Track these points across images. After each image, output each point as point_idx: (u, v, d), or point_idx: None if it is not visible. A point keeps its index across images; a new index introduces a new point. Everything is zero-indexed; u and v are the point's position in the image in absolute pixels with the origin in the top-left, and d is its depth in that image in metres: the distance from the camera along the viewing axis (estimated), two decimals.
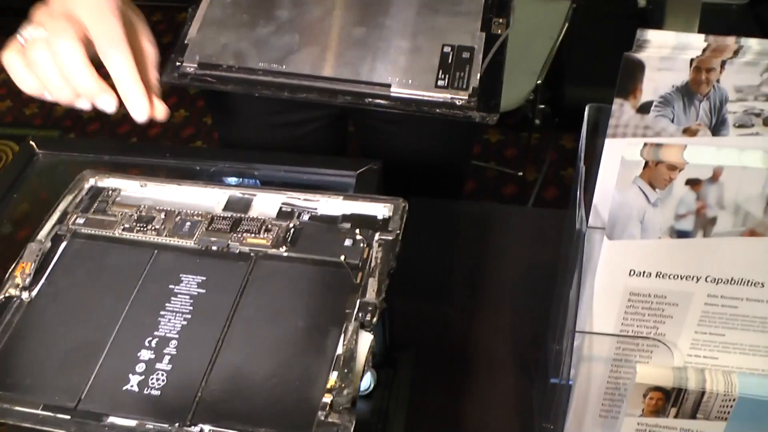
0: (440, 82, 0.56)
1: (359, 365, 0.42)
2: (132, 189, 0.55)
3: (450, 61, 0.57)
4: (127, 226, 0.52)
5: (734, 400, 0.45)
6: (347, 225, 0.50)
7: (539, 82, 1.49)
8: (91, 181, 0.56)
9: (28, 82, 0.53)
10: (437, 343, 0.70)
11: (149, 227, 0.52)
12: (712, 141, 0.44)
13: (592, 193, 0.49)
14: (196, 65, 0.59)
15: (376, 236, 0.49)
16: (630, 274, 0.47)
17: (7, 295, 0.49)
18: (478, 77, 0.56)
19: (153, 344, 0.46)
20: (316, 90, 0.56)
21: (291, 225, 0.51)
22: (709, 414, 0.46)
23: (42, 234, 0.52)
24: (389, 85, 0.56)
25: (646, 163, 0.43)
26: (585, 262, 0.49)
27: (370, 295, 0.45)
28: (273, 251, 0.50)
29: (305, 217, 0.52)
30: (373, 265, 0.47)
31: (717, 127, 0.44)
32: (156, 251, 0.51)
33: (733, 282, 0.45)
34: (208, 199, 0.54)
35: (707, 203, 0.43)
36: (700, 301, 0.47)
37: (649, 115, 0.45)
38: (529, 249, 0.78)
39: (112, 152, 0.61)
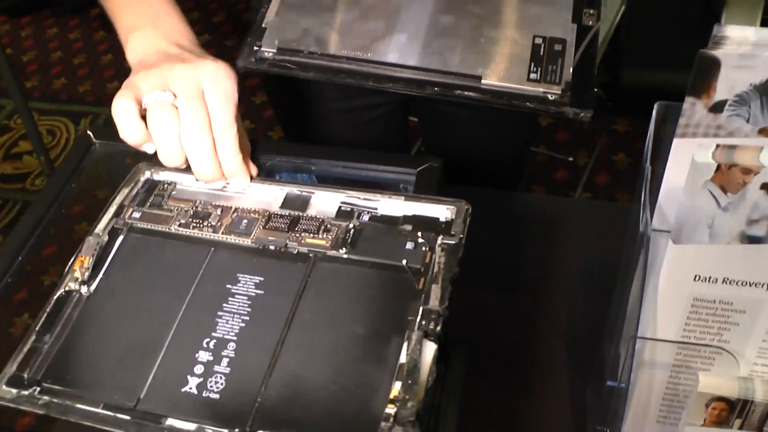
0: (532, 75, 0.54)
1: (423, 376, 0.41)
2: (187, 183, 0.55)
3: (542, 53, 0.55)
4: (183, 221, 0.52)
5: None
6: (408, 227, 0.49)
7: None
8: (147, 174, 0.55)
9: (135, 136, 0.52)
10: (490, 339, 0.69)
11: (205, 224, 0.51)
12: None
13: (656, 195, 0.47)
14: (274, 50, 0.57)
15: (439, 240, 0.47)
16: (695, 279, 0.45)
17: (67, 288, 0.49)
18: (571, 71, 0.54)
19: (211, 345, 0.45)
20: (402, 80, 0.54)
21: (351, 225, 0.50)
22: None
23: (99, 227, 0.52)
24: (480, 77, 0.54)
25: (719, 166, 0.41)
26: (648, 266, 0.47)
27: (433, 302, 0.44)
28: (332, 253, 0.48)
29: (365, 217, 0.50)
30: (435, 270, 0.46)
31: None
32: (212, 249, 0.50)
33: None
34: (264, 195, 0.53)
35: None
36: None
37: (722, 114, 0.43)
38: (588, 245, 0.76)
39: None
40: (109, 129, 0.56)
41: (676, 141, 0.44)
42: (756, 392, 0.44)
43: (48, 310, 0.48)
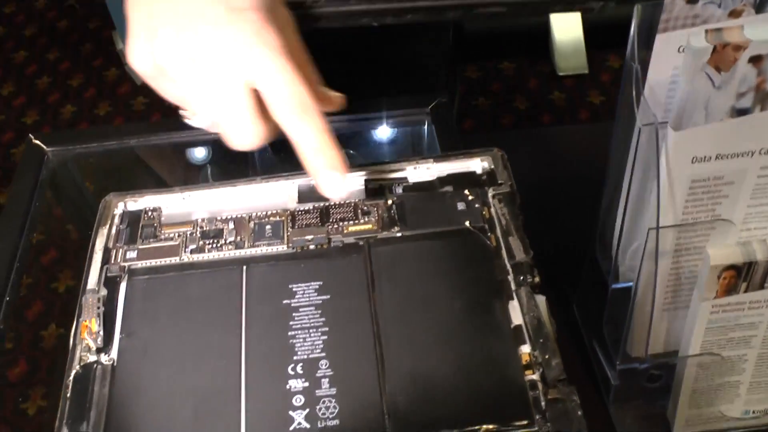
0: None
1: (550, 330, 0.39)
2: (173, 204, 0.47)
3: None
4: (194, 247, 0.45)
5: None
6: (449, 188, 0.46)
7: None
8: (120, 207, 0.47)
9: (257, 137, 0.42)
10: None
11: (223, 242, 0.45)
12: (764, 18, 0.45)
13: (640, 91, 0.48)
14: None
15: (490, 192, 0.45)
16: (693, 161, 0.47)
17: (82, 363, 0.41)
18: None
19: (299, 370, 0.40)
20: (422, 10, 0.49)
21: (389, 202, 0.46)
22: None
23: (91, 281, 0.44)
24: None
25: (714, 48, 0.42)
26: (643, 160, 0.49)
27: (520, 255, 0.42)
28: (385, 234, 0.44)
29: (399, 190, 0.46)
30: (504, 223, 0.43)
31: (759, 6, 0.45)
32: (245, 267, 0.44)
33: None
34: (273, 195, 0.47)
35: (767, 77, 0.44)
36: (753, 175, 0.48)
37: (697, 4, 0.45)
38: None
39: (123, 136, 0.51)
40: (59, 135, 0.46)
41: (659, 36, 0.45)
42: (757, 253, 0.47)
43: (69, 395, 0.40)
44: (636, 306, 0.54)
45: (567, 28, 1.76)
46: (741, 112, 0.45)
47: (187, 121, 0.44)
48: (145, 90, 1.81)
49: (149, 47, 0.42)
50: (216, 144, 0.61)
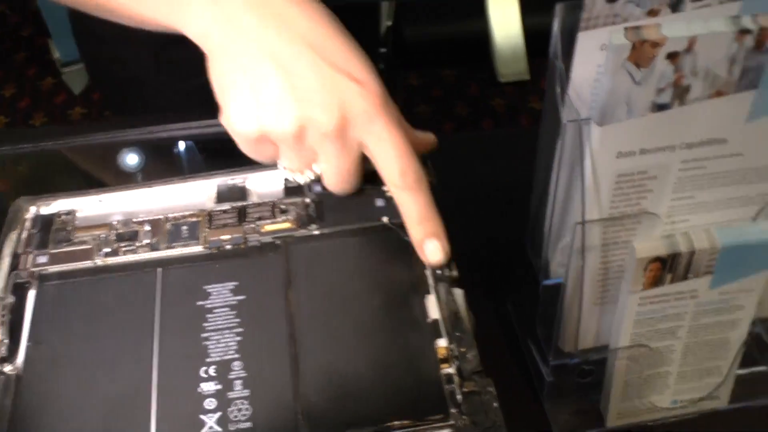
0: None
1: (468, 324, 0.39)
2: (88, 207, 0.46)
3: None
4: (108, 250, 0.44)
5: (718, 251, 0.48)
6: (368, 185, 0.45)
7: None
8: (32, 210, 0.46)
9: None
10: None
11: (138, 244, 0.44)
12: (680, 17, 0.46)
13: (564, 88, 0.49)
14: None
15: None
16: (618, 156, 0.48)
17: None
18: None
19: (212, 373, 0.39)
20: None
21: (307, 200, 0.45)
22: (698, 271, 0.49)
23: None
24: None
25: (634, 45, 0.43)
26: (572, 155, 0.49)
27: None
28: (302, 232, 0.44)
29: (317, 188, 0.46)
30: None
31: (675, 5, 0.46)
32: (161, 269, 0.43)
33: (702, 144, 0.47)
34: (191, 196, 0.46)
35: (683, 73, 0.45)
36: (675, 169, 0.49)
37: (617, 2, 0.46)
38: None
39: (47, 138, 0.49)
40: None
41: (581, 34, 0.46)
42: (680, 244, 0.48)
43: None
44: (566, 302, 0.54)
45: (508, 35, 1.78)
46: (661, 108, 0.45)
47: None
48: (83, 100, 1.78)
49: (255, 112, 0.40)
50: (149, 149, 0.60)
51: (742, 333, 0.55)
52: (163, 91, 0.76)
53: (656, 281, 0.50)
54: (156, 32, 0.68)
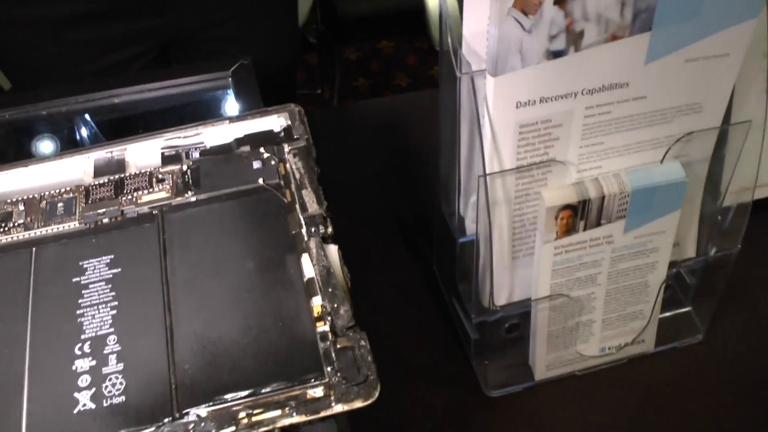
0: None
1: (340, 279, 0.38)
2: None
3: None
4: None
5: (628, 195, 0.48)
6: (246, 148, 0.44)
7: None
8: None
9: None
10: None
11: (11, 225, 0.42)
12: None
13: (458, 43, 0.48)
14: None
15: (286, 148, 0.43)
16: (517, 106, 0.47)
17: None
18: None
19: (86, 349, 0.38)
20: None
21: (185, 168, 0.44)
22: (610, 216, 0.49)
23: None
24: None
25: None
26: (468, 110, 0.49)
27: (312, 207, 0.40)
28: (178, 200, 0.42)
29: (195, 155, 0.45)
30: (298, 177, 0.42)
31: None
32: (35, 249, 0.42)
33: (603, 89, 0.47)
34: (66, 171, 0.45)
35: (574, 18, 0.45)
36: (579, 115, 0.48)
37: None
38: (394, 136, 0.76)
39: None
40: None
41: None
42: (589, 190, 0.48)
43: None
44: (482, 258, 0.53)
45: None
46: (556, 54, 0.45)
47: None
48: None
49: None
50: (63, 135, 0.58)
51: (661, 275, 0.54)
52: (75, 74, 0.75)
53: (569, 229, 0.50)
54: (56, 13, 0.67)
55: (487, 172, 0.47)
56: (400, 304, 0.64)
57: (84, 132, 0.54)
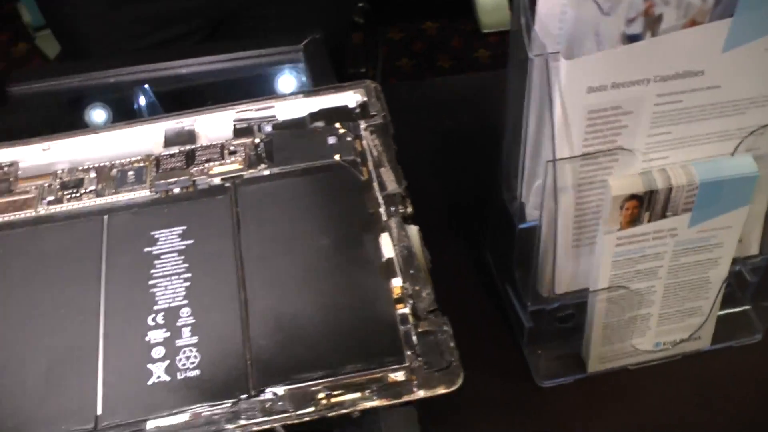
0: None
1: (422, 261, 0.37)
2: (32, 157, 0.44)
3: None
4: (52, 198, 0.42)
5: (696, 188, 0.47)
6: (321, 123, 0.43)
7: None
8: None
9: None
10: None
11: (83, 191, 0.42)
12: None
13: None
14: None
15: (362, 124, 0.43)
16: (588, 91, 0.46)
17: None
18: None
19: (160, 320, 0.37)
20: None
21: (257, 140, 0.43)
22: (676, 209, 0.48)
23: None
24: None
25: None
26: (537, 93, 0.47)
27: (392, 186, 0.40)
28: (251, 173, 0.42)
29: (267, 128, 0.44)
30: (375, 154, 0.41)
31: None
32: (107, 216, 0.41)
33: (677, 76, 0.45)
34: (138, 141, 0.44)
35: (654, 1, 0.43)
36: (650, 103, 0.47)
37: None
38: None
39: None
40: None
41: None
42: (657, 181, 0.47)
43: None
44: (542, 245, 0.53)
45: None
46: (632, 39, 0.44)
47: None
48: None
49: None
50: (115, 104, 0.58)
51: (723, 272, 0.53)
52: (124, 50, 0.75)
53: (633, 220, 0.49)
54: None
55: (557, 157, 0.46)
56: (449, 288, 0.63)
57: (142, 102, 0.54)
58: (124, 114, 0.57)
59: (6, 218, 0.41)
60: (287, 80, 0.48)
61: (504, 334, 0.60)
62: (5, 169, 0.44)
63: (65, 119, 0.58)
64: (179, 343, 0.37)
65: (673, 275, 0.53)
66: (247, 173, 0.42)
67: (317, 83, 0.47)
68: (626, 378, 0.57)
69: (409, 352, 0.35)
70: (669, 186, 0.47)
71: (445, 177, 0.71)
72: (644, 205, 0.48)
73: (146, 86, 0.52)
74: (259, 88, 0.49)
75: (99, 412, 0.35)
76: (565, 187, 0.49)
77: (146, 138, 0.44)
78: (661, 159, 0.49)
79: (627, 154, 0.49)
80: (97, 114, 0.63)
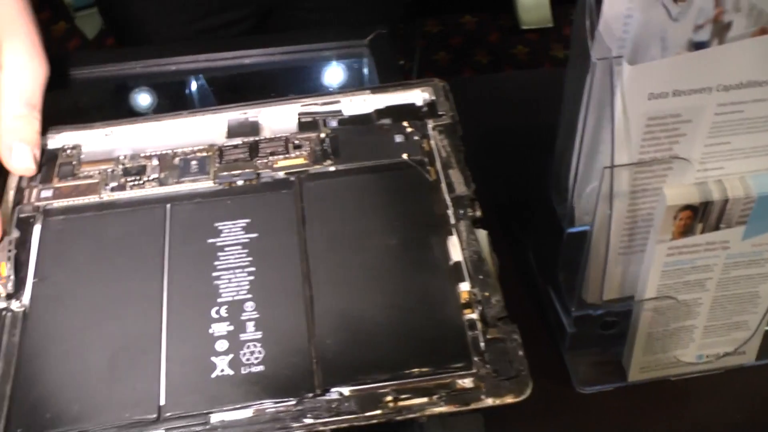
0: None
1: (491, 266, 0.36)
2: (94, 141, 0.44)
3: None
4: (115, 184, 0.42)
5: (753, 201, 0.46)
6: (388, 121, 0.43)
7: None
8: None
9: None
10: None
11: (147, 178, 0.42)
12: None
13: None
14: None
15: (430, 124, 0.42)
16: (649, 98, 0.45)
17: None
18: None
19: (223, 313, 0.37)
20: None
21: (323, 135, 0.43)
22: (731, 221, 0.47)
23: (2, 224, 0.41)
24: None
25: None
26: (597, 97, 0.47)
27: (460, 188, 0.39)
28: (316, 168, 0.41)
29: (333, 123, 0.43)
30: (444, 155, 0.41)
31: None
32: (170, 205, 0.41)
33: (740, 86, 0.45)
34: (201, 131, 0.44)
35: (725, 8, 0.43)
36: (710, 112, 0.47)
37: None
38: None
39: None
40: None
41: None
42: (713, 192, 0.46)
43: None
44: (591, 250, 0.52)
45: None
46: (698, 46, 0.43)
47: None
48: (97, 45, 1.75)
49: None
50: (160, 88, 0.57)
51: None
52: (172, 34, 0.74)
53: (686, 231, 0.48)
54: None
55: (600, 166, 0.46)
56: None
57: (194, 89, 0.54)
58: (169, 100, 0.57)
59: (71, 202, 0.41)
60: (350, 75, 0.48)
61: (543, 336, 0.60)
62: (69, 151, 0.43)
63: (111, 103, 0.58)
64: (243, 337, 0.36)
65: (722, 288, 0.53)
66: (313, 168, 0.41)
67: (383, 80, 0.47)
68: (667, 389, 0.57)
69: (477, 359, 0.35)
70: (725, 198, 0.47)
71: (486, 173, 0.71)
72: (698, 216, 0.48)
73: (200, 75, 0.52)
74: (320, 82, 0.49)
75: (162, 402, 0.35)
76: (619, 194, 0.49)
77: (209, 128, 0.44)
78: (716, 169, 0.49)
79: (682, 163, 0.48)
80: (143, 98, 0.63)
